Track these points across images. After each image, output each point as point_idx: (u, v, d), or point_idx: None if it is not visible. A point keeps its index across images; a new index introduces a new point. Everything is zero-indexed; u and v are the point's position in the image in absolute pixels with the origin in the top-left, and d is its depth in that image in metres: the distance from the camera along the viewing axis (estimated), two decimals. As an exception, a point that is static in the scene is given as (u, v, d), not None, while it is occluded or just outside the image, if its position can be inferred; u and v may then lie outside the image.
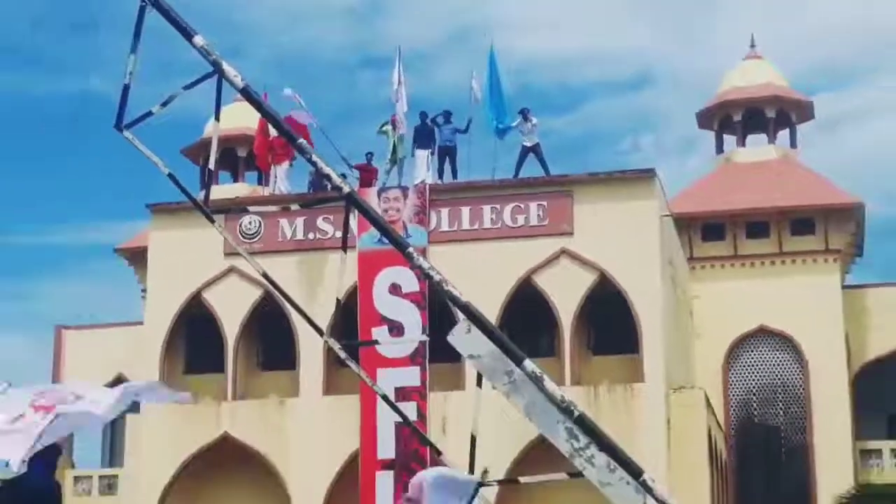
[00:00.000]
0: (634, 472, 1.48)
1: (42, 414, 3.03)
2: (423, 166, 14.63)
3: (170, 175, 1.88)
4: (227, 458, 14.58)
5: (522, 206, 14.27)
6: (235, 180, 20.71)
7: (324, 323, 9.81)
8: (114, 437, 18.20)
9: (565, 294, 13.94)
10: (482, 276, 13.10)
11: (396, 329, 13.20)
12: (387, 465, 13.22)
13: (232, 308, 14.80)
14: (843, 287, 18.01)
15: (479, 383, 1.68)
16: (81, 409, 3.14)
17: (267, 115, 1.84)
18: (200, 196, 2.12)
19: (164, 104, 1.85)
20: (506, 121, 15.07)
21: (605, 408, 12.70)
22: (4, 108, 51.27)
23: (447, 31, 62.98)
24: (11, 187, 45.54)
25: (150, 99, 1.92)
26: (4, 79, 55.96)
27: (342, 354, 1.95)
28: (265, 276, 1.99)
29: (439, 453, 1.90)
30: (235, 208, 16.72)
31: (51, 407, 3.12)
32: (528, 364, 1.54)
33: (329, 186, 1.79)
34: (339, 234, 13.42)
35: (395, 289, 13.40)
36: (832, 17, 45.72)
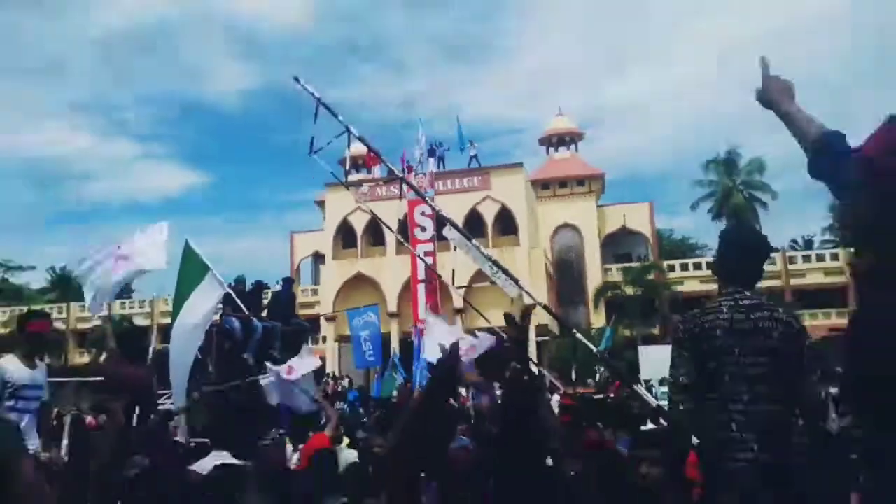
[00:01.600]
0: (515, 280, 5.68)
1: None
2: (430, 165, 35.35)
3: (332, 173, 19.80)
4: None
5: (471, 179, 34.89)
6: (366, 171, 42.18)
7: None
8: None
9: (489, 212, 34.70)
10: (455, 208, 33.79)
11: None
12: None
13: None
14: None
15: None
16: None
17: (368, 146, 6.59)
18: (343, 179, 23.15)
19: (328, 144, 5.91)
20: (464, 144, 35.46)
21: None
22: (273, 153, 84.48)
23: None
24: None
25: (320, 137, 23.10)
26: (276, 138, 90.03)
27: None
28: (379, 220, 23.13)
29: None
30: (356, 183, 38.07)
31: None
32: (475, 243, 4.67)
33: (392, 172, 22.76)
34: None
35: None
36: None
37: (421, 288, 29.16)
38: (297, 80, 4.47)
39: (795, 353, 2.71)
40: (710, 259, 34.74)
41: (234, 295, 7.23)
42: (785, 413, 2.67)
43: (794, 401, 2.71)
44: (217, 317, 7.76)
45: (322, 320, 33.28)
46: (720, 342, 2.74)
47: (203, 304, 6.51)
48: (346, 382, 21.69)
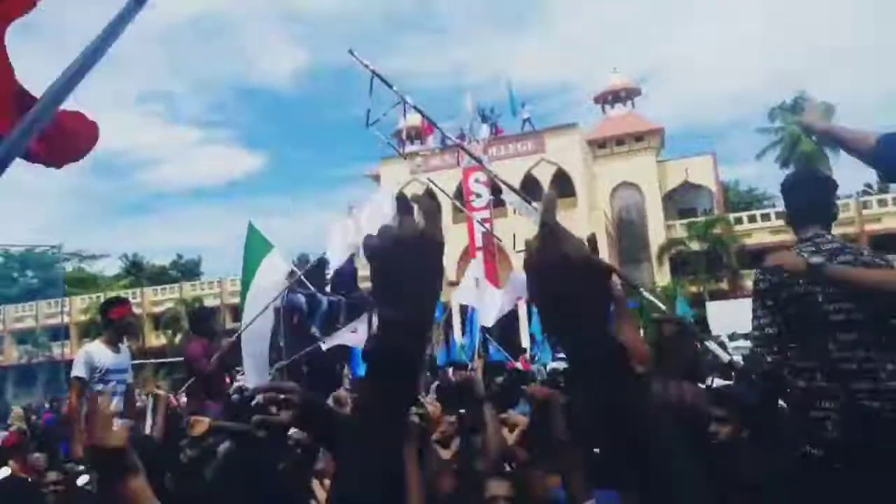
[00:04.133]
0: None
1: None
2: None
3: (390, 144, 19.33)
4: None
5: (525, 143, 34.38)
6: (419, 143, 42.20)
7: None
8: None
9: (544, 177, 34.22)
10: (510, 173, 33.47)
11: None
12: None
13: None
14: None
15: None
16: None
17: (423, 115, 5.94)
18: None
19: (383, 115, 5.03)
20: (516, 108, 34.83)
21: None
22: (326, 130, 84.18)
23: None
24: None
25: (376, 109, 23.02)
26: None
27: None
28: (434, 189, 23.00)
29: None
30: (413, 154, 38.13)
31: None
32: (535, 206, 4.06)
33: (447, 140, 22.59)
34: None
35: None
36: None
37: (479, 255, 29.21)
38: (351, 52, 4.46)
39: (889, 297, 2.52)
40: (780, 209, 33.17)
41: (298, 272, 7.38)
42: (875, 360, 2.50)
43: (889, 348, 2.56)
44: (283, 294, 7.94)
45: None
46: (802, 289, 2.60)
47: (269, 283, 6.67)
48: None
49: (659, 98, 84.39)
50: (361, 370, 6.75)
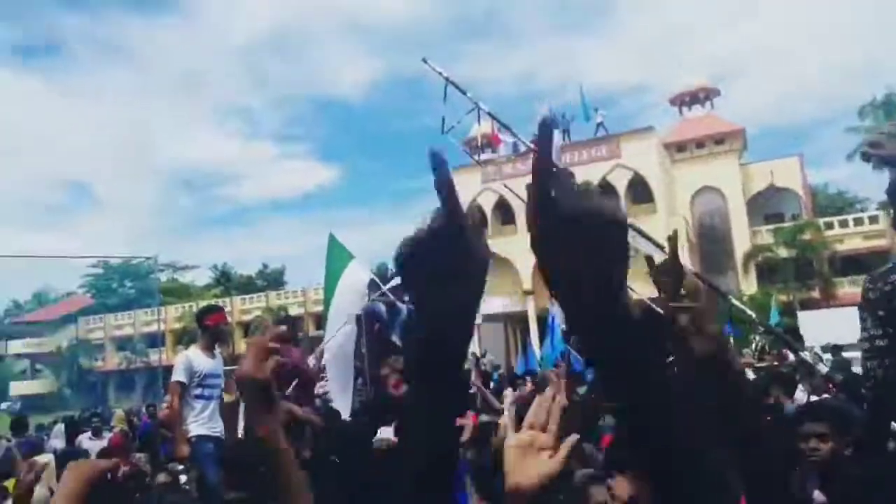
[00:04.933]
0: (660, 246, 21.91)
1: None
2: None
3: (466, 151, 22.71)
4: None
5: (599, 148, 33.84)
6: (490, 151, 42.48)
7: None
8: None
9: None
10: (584, 180, 32.97)
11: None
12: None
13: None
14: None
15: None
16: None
17: (497, 121, 4.42)
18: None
19: (457, 122, 4.19)
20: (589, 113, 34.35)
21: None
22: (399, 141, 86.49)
23: None
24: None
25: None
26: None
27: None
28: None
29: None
30: (488, 162, 38.30)
31: None
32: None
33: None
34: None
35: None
36: None
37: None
38: (425, 61, 4.58)
39: None
40: (874, 213, 31.37)
41: (378, 281, 7.55)
42: None
43: None
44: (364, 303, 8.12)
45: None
46: None
47: (351, 293, 6.85)
48: (486, 362, 21.93)
49: (739, 98, 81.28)
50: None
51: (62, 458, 5.53)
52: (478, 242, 0.76)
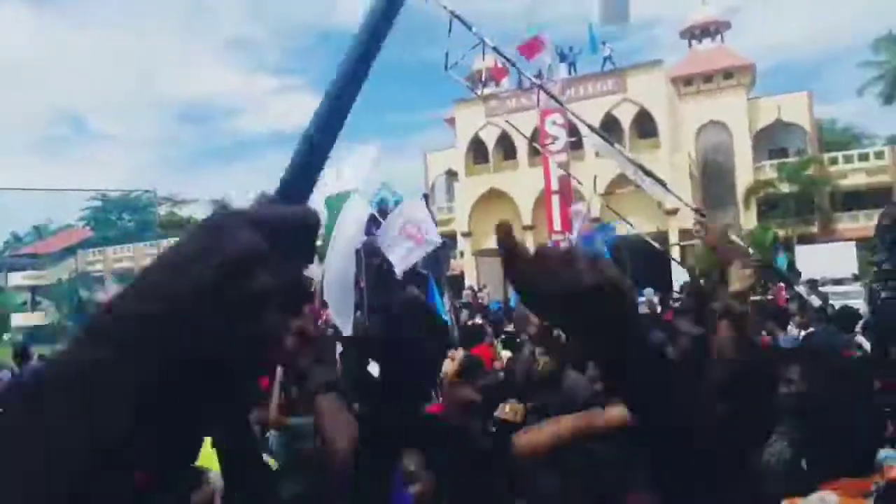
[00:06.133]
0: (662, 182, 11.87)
1: None
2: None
3: (469, 87, 22.36)
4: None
5: (605, 82, 33.16)
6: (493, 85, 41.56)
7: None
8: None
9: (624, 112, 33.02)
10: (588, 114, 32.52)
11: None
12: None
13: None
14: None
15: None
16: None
17: (503, 56, 17.87)
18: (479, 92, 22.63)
19: (462, 57, 8.15)
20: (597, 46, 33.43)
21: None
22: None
23: None
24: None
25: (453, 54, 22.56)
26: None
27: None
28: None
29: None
30: (491, 97, 37.56)
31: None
32: (618, 147, 8.34)
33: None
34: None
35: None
36: None
37: (555, 199, 28.79)
38: (430, -6, 4.43)
39: None
40: (880, 148, 30.99)
41: (377, 216, 7.53)
42: None
43: None
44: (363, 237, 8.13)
45: (459, 235, 33.96)
46: None
47: (351, 227, 6.85)
48: (484, 294, 22.15)
49: (750, 32, 79.17)
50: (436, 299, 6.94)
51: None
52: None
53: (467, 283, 27.22)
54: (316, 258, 8.18)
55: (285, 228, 0.43)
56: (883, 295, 2.56)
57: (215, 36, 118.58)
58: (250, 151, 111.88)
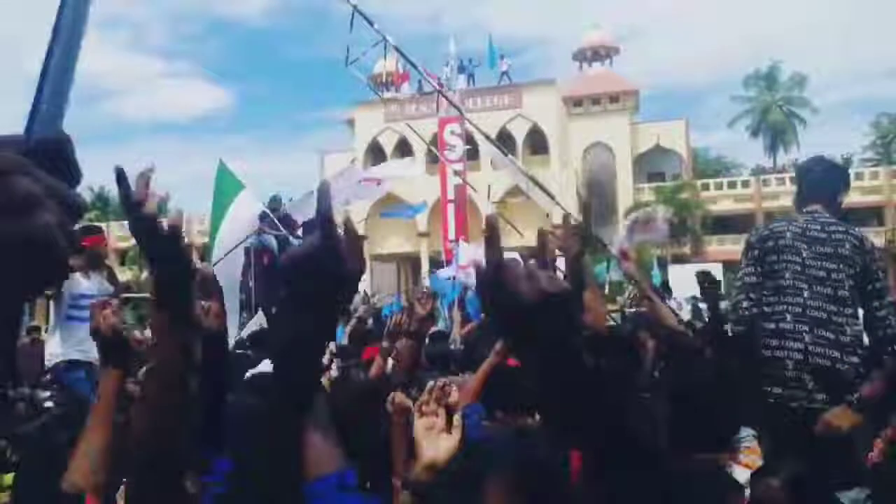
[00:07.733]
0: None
1: None
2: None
3: (369, 86, 20.48)
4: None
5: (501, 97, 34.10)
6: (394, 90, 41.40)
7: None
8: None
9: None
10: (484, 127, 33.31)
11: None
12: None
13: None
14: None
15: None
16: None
17: (405, 57, 13.68)
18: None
19: (363, 54, 9.17)
20: (495, 60, 34.37)
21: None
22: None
23: None
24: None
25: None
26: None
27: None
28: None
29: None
30: (392, 100, 37.39)
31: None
32: (511, 158, 7.14)
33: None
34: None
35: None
36: None
37: (450, 207, 29.25)
38: (334, -13, 4.41)
39: (865, 267, 2.74)
40: (746, 178, 33.48)
41: (269, 213, 7.35)
42: (845, 317, 2.69)
43: (861, 309, 2.74)
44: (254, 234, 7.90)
45: (353, 239, 33.61)
46: (788, 242, 2.80)
47: (241, 223, 6.63)
48: (376, 300, 21.99)
49: (637, 58, 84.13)
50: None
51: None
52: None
53: (361, 288, 27.00)
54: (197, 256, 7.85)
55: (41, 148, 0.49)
56: (745, 304, 2.83)
57: (93, 10, 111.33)
58: (131, 137, 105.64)
